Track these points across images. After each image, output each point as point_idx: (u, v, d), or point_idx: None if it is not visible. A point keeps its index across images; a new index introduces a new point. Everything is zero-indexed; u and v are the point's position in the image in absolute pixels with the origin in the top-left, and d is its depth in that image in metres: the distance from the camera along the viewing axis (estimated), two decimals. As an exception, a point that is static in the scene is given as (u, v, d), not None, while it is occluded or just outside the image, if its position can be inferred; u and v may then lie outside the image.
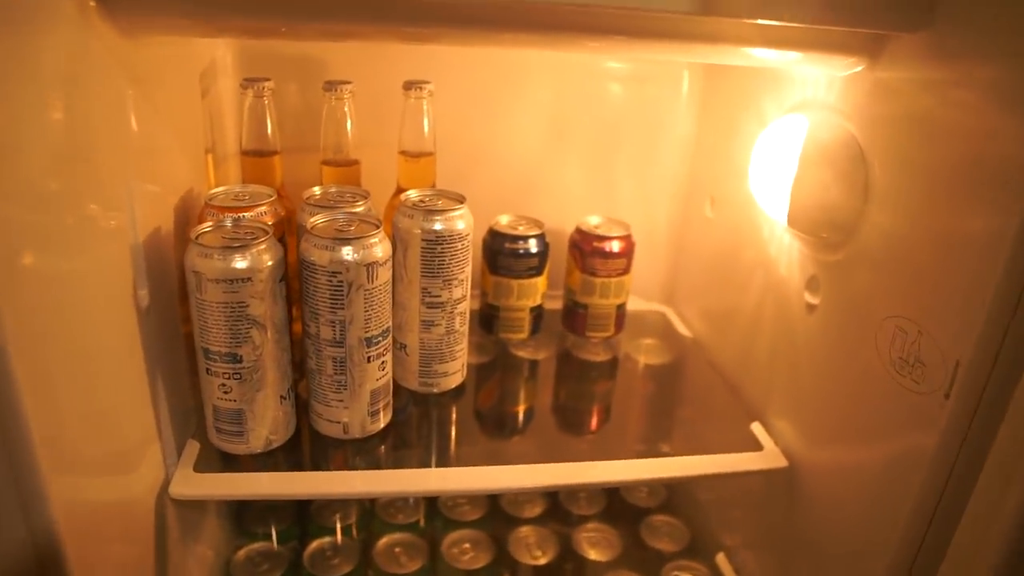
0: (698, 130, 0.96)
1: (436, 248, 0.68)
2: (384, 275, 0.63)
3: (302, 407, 0.69)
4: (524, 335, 0.87)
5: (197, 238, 0.59)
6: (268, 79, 0.74)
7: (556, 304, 0.92)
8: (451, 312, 0.72)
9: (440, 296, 0.70)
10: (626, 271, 0.86)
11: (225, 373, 0.60)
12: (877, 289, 0.60)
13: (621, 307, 0.89)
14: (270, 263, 0.59)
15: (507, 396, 0.84)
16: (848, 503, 0.63)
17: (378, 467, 0.67)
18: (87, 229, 0.51)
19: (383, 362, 0.66)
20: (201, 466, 0.64)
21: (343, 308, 0.61)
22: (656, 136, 0.97)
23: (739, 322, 0.84)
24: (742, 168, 0.81)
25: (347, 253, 0.60)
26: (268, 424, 0.64)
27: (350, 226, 0.64)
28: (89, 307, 0.50)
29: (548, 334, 0.92)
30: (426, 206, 0.69)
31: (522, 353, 0.90)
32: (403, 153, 0.79)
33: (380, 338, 0.65)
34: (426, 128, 0.78)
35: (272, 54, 0.85)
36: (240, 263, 0.58)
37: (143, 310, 0.58)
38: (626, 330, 0.92)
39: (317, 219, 0.64)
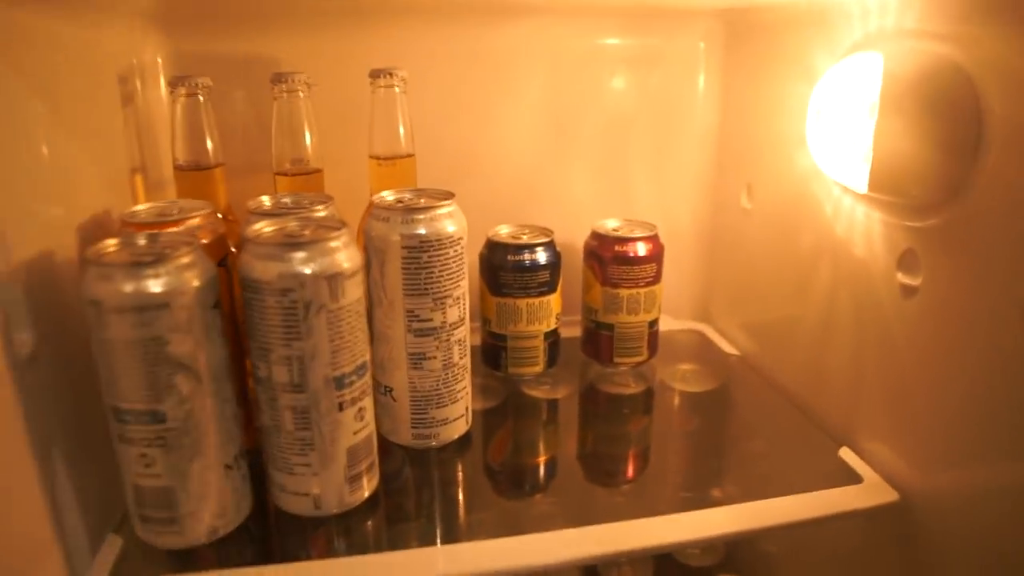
0: (722, 109, 0.82)
1: (421, 257, 0.53)
2: (353, 291, 0.47)
3: (260, 478, 0.53)
4: (538, 367, 0.71)
5: (96, 258, 0.43)
6: (204, 76, 0.60)
7: (573, 330, 0.76)
8: (447, 340, 0.56)
9: (431, 320, 0.55)
10: (656, 279, 0.71)
11: (144, 439, 0.44)
12: (1011, 255, 0.45)
13: (653, 324, 0.73)
14: (196, 284, 0.44)
15: (523, 446, 0.68)
16: (998, 540, 0.47)
17: (366, 551, 0.51)
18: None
19: (360, 409, 0.50)
20: (124, 570, 0.47)
21: (300, 339, 0.46)
22: (672, 123, 0.83)
23: (803, 327, 0.68)
24: (788, 140, 0.66)
25: (301, 263, 0.45)
26: (211, 505, 0.47)
27: (304, 231, 0.48)
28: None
29: (566, 367, 0.76)
30: (405, 205, 0.54)
31: (537, 392, 0.73)
32: (375, 158, 0.64)
33: (354, 377, 0.49)
34: (401, 124, 0.64)
35: (212, 55, 0.71)
36: (153, 284, 0.42)
37: (23, 361, 0.42)
38: (659, 354, 0.76)
39: (263, 223, 0.49)
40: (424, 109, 0.66)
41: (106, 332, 0.43)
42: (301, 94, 0.63)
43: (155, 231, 0.49)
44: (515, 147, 0.80)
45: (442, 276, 0.54)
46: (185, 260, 0.44)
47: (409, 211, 0.53)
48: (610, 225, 0.73)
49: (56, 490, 0.45)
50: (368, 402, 0.51)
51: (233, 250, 0.61)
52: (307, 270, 0.45)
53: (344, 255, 0.47)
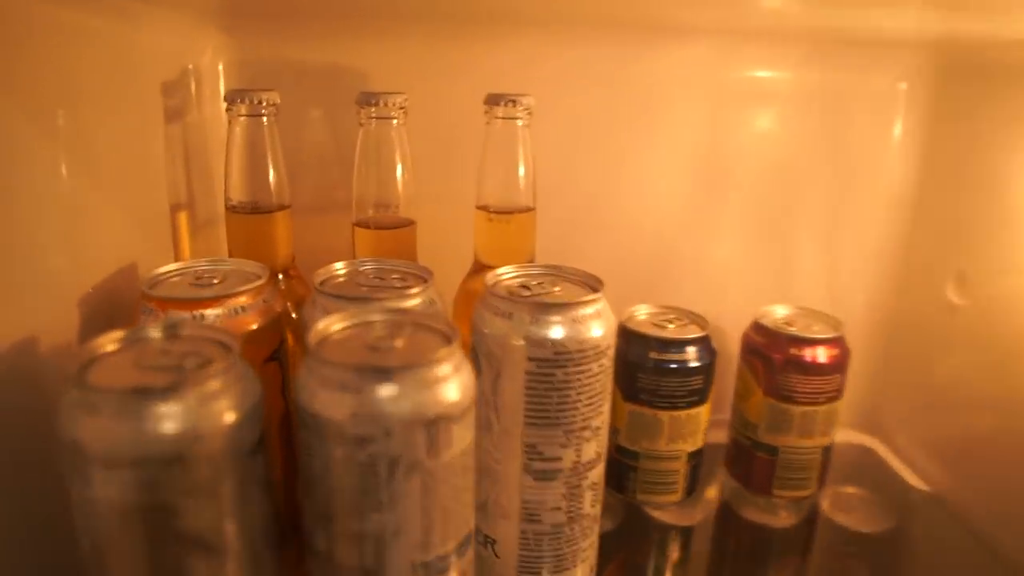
0: (925, 169, 0.64)
1: (555, 375, 0.37)
2: (462, 437, 0.31)
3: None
4: (676, 496, 0.55)
5: (83, 372, 0.29)
6: (270, 90, 0.46)
7: (715, 435, 0.59)
8: (577, 487, 0.40)
9: (559, 459, 0.39)
10: (839, 394, 0.54)
11: (139, 648, 0.29)
12: None
13: (828, 450, 0.56)
14: (229, 420, 0.28)
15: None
16: None
17: None
18: None
19: (458, 601, 0.34)
20: None
21: (379, 510, 0.30)
22: (855, 183, 0.65)
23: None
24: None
25: (388, 400, 0.29)
26: None
27: (394, 339, 0.33)
28: None
29: (702, 480, 0.59)
30: (534, 297, 0.38)
31: (664, 515, 0.57)
32: (484, 209, 0.49)
33: (454, 557, 0.33)
34: (521, 167, 0.48)
35: (286, 63, 0.57)
36: (162, 424, 0.27)
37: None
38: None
39: (332, 323, 0.33)
40: (543, 146, 0.50)
41: (89, 489, 0.27)
42: (395, 122, 0.48)
43: (183, 312, 0.35)
44: (653, 200, 0.63)
45: (580, 401, 0.38)
46: (215, 385, 0.28)
47: (542, 308, 0.37)
48: (779, 314, 0.56)
49: None
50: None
51: (293, 316, 0.47)
52: (397, 411, 0.29)
53: (454, 386, 0.31)
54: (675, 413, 0.51)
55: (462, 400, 0.31)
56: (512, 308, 0.37)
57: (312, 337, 0.31)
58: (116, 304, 0.40)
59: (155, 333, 0.32)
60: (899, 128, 0.63)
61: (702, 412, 0.52)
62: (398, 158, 0.48)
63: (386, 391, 0.29)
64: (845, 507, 0.61)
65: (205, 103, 0.54)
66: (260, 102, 0.45)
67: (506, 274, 0.41)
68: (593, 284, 0.40)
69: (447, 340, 0.32)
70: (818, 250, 0.65)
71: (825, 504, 0.60)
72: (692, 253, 0.64)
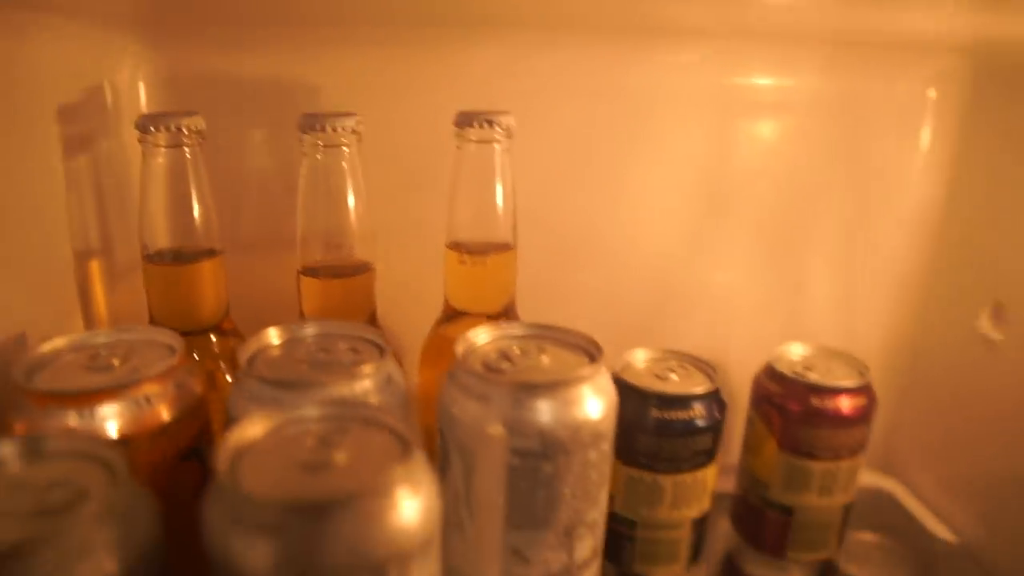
0: (955, 185, 0.56)
1: (542, 468, 0.30)
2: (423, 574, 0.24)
3: None
4: (679, 566, 0.48)
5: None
6: (192, 114, 0.38)
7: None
8: (569, 592, 0.33)
9: (547, 562, 0.32)
10: (863, 446, 0.47)
11: None
12: None
13: (849, 509, 0.49)
14: (107, 585, 0.21)
15: None
16: None
17: None
18: None
19: None
20: None
21: None
22: (873, 202, 0.58)
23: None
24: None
25: (319, 543, 0.22)
26: None
27: (333, 450, 0.25)
28: None
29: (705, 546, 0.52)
30: (517, 375, 0.31)
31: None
32: (455, 248, 0.42)
33: None
34: (500, 199, 0.42)
35: (218, 77, 0.48)
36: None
37: None
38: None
39: (251, 430, 0.26)
40: (521, 167, 0.43)
41: None
42: (346, 150, 0.40)
43: (69, 409, 0.27)
44: (648, 226, 0.56)
45: (574, 496, 0.31)
46: (85, 533, 0.21)
47: (525, 389, 0.30)
48: (795, 356, 0.49)
49: None
50: None
51: (229, 377, 0.40)
52: (331, 559, 0.22)
53: (411, 513, 0.23)
54: (679, 477, 0.44)
55: (422, 530, 0.24)
56: (488, 389, 0.30)
57: (221, 455, 0.24)
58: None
59: (9, 454, 0.24)
60: (927, 141, 0.56)
61: (709, 473, 0.45)
62: (351, 192, 0.41)
63: (317, 534, 0.22)
64: (861, 557, 0.54)
65: (124, 126, 0.46)
66: (180, 128, 0.37)
67: (480, 339, 0.34)
68: (590, 350, 0.33)
69: (403, 446, 0.25)
70: (833, 278, 0.58)
71: (842, 555, 0.53)
72: (693, 284, 0.56)
